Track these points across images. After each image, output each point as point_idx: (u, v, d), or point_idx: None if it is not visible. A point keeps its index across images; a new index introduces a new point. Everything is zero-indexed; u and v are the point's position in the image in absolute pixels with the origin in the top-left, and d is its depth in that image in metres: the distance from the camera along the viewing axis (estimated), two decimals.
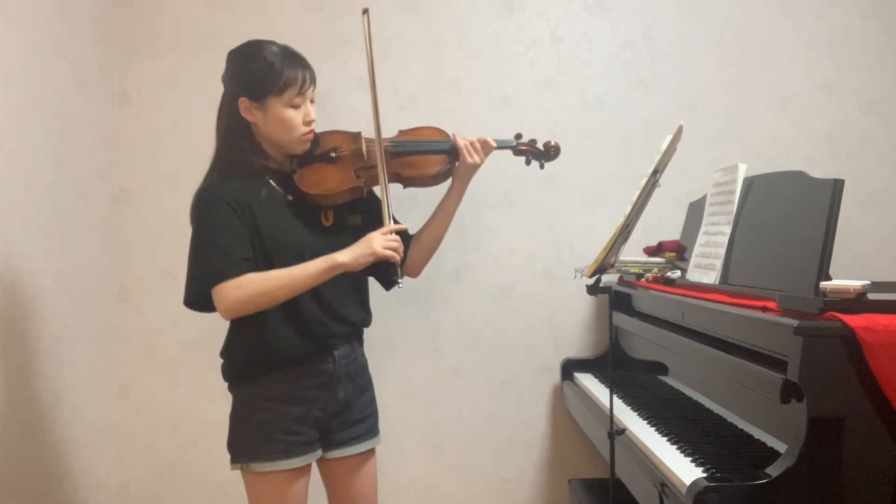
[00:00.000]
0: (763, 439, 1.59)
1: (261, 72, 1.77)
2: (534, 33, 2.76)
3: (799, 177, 1.85)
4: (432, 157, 1.98)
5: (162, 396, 2.71)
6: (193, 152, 2.71)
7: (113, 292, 2.70)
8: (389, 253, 1.77)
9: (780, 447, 1.49)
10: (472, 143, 1.98)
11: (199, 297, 1.79)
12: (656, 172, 1.72)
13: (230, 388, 1.89)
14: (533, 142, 2.16)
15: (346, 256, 1.76)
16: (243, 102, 1.80)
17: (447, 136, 2.02)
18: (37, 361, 2.21)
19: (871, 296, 1.44)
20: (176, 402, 2.71)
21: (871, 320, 1.36)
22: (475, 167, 2.00)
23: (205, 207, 1.78)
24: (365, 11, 1.93)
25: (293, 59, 1.80)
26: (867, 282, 1.46)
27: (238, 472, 1.86)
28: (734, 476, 1.41)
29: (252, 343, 1.81)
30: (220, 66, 2.71)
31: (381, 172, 1.86)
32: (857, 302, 1.42)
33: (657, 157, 1.71)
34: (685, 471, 1.55)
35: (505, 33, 2.75)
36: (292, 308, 1.80)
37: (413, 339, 2.72)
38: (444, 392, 2.75)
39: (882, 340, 1.35)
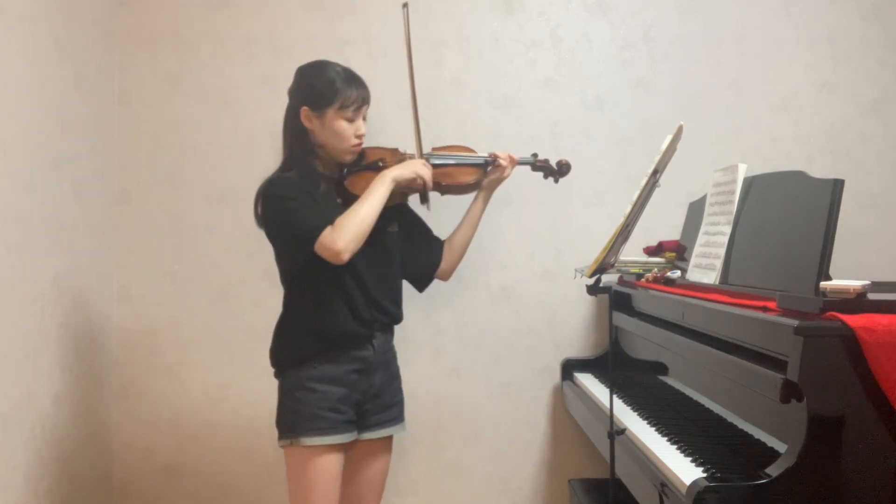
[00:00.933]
0: (763, 439, 1.59)
1: (323, 87, 2.01)
2: (534, 33, 2.76)
3: (799, 177, 1.85)
4: (466, 169, 2.21)
5: (162, 396, 2.71)
6: (193, 152, 2.72)
7: (113, 292, 2.70)
8: (425, 179, 2.05)
9: (780, 447, 1.48)
10: (501, 155, 2.21)
11: (301, 263, 1.96)
12: (656, 172, 1.72)
13: (278, 372, 2.05)
14: (546, 160, 2.36)
15: (393, 171, 2.01)
16: (305, 111, 2.02)
17: (476, 152, 2.26)
18: (37, 361, 2.21)
19: (871, 296, 1.44)
20: (176, 402, 2.72)
21: (871, 320, 1.36)
22: (502, 178, 2.23)
23: (280, 189, 1.98)
24: (405, 5, 2.17)
25: (353, 80, 2.04)
26: (867, 282, 1.46)
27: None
28: (734, 476, 1.41)
29: (307, 323, 2.00)
30: (220, 66, 2.74)
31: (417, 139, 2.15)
32: (857, 302, 1.42)
33: (657, 157, 1.71)
34: (685, 471, 1.55)
35: (505, 33, 2.75)
36: (342, 296, 2.00)
37: (413, 339, 2.71)
38: (444, 392, 2.75)
39: (882, 340, 1.35)
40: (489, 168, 2.22)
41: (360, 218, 1.92)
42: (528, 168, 2.35)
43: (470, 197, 2.27)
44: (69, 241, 2.40)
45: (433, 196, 2.19)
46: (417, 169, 2.05)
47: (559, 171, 2.36)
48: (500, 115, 2.75)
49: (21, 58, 2.13)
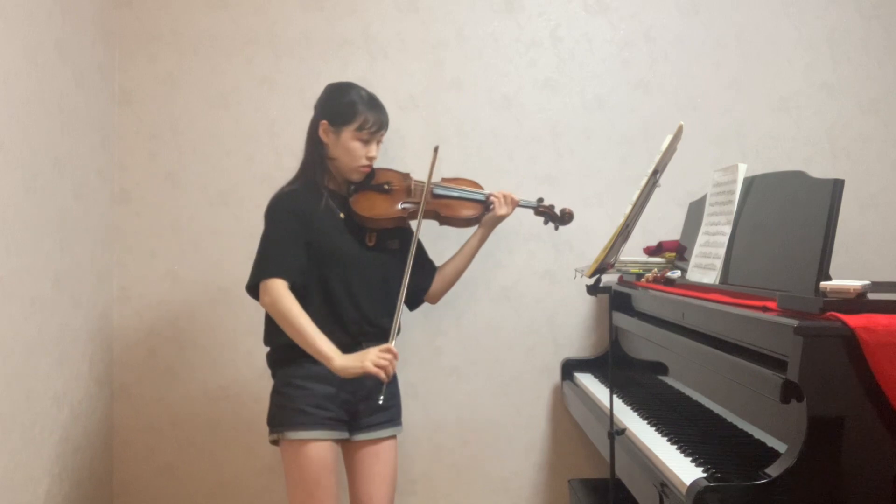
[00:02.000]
0: (763, 439, 1.59)
1: (345, 106, 2.11)
2: (534, 33, 2.76)
3: (799, 177, 1.85)
4: (468, 204, 2.27)
5: (162, 396, 2.71)
6: (193, 152, 2.72)
7: (113, 292, 2.70)
8: (376, 370, 1.96)
9: (780, 447, 1.49)
10: (505, 196, 2.27)
11: (255, 285, 2.06)
12: (656, 172, 1.72)
13: (272, 372, 2.13)
14: (551, 206, 2.40)
15: (339, 362, 1.96)
16: (323, 125, 2.12)
17: (482, 189, 2.31)
18: (37, 361, 2.21)
19: (871, 296, 1.44)
20: (176, 402, 2.72)
21: (870, 320, 1.36)
22: (502, 218, 2.28)
23: (277, 214, 2.10)
24: (436, 149, 2.22)
25: (374, 105, 2.13)
26: (867, 282, 1.46)
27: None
28: (734, 476, 1.41)
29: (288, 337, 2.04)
30: (220, 66, 2.75)
31: (407, 270, 2.07)
32: (856, 302, 1.42)
33: (657, 157, 1.71)
34: (685, 471, 1.55)
35: (505, 33, 2.75)
36: (331, 307, 2.07)
37: (413, 339, 2.72)
38: (444, 392, 2.75)
39: (882, 340, 1.35)
40: (490, 206, 2.26)
41: (292, 321, 1.97)
42: (531, 212, 2.38)
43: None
44: (69, 241, 2.40)
45: (431, 224, 2.26)
46: (367, 366, 1.94)
47: (561, 219, 2.39)
48: (500, 115, 2.75)
49: (21, 57, 2.13)
